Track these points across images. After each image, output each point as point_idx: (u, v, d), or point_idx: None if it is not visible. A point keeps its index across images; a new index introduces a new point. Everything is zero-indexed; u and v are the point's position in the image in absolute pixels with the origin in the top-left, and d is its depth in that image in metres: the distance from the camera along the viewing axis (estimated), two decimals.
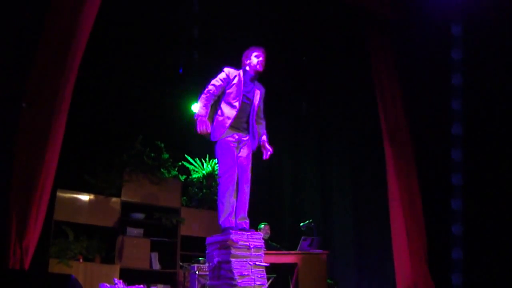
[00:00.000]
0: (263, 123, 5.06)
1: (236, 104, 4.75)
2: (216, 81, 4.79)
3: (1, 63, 4.61)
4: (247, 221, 4.76)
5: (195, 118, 4.65)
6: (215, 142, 4.76)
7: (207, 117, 4.68)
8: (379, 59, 6.93)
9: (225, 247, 4.45)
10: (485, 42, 6.18)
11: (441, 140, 6.48)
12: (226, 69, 4.86)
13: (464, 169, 6.34)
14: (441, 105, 6.52)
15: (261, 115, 5.05)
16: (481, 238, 5.99)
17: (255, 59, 4.89)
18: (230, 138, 4.73)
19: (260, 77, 5.02)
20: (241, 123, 4.84)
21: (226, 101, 4.79)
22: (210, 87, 4.77)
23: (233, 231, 4.50)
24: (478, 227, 6.06)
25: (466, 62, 6.38)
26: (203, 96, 4.75)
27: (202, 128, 4.60)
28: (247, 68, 4.92)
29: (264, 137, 4.97)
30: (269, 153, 4.92)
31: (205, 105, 4.70)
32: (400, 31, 6.86)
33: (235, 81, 4.80)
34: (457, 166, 6.38)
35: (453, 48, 6.46)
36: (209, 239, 4.79)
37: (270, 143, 4.97)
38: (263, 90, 5.03)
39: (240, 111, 4.77)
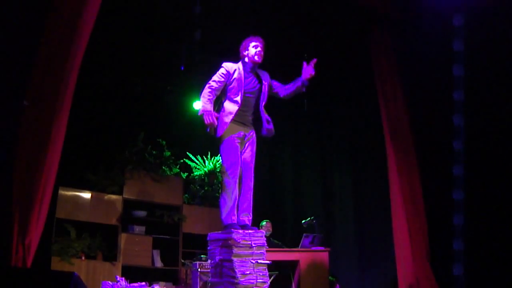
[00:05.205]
0: (285, 84, 4.93)
1: (238, 99, 4.64)
2: (217, 77, 4.69)
3: (3, 62, 4.61)
4: (250, 217, 4.71)
5: (201, 113, 4.54)
6: (220, 138, 4.68)
7: (212, 110, 4.57)
8: (379, 54, 6.89)
9: (227, 245, 4.44)
10: (487, 33, 6.16)
11: (443, 135, 6.48)
12: (225, 64, 4.74)
13: (466, 162, 6.33)
14: (442, 99, 6.50)
15: (278, 85, 4.94)
16: (484, 232, 5.99)
17: (253, 49, 4.76)
18: (234, 135, 4.68)
19: (261, 66, 4.89)
20: (246, 116, 4.76)
21: (228, 98, 4.70)
22: (211, 83, 4.67)
23: (235, 229, 4.47)
24: (480, 222, 6.06)
25: (468, 54, 6.38)
26: (205, 91, 4.64)
27: (210, 120, 4.49)
28: (246, 59, 4.80)
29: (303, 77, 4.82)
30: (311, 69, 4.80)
31: (208, 100, 4.59)
32: (401, 25, 6.83)
33: (236, 75, 4.68)
34: (459, 159, 6.38)
35: (454, 40, 6.45)
36: (210, 236, 4.77)
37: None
38: (267, 78, 4.88)
39: (243, 106, 4.67)
